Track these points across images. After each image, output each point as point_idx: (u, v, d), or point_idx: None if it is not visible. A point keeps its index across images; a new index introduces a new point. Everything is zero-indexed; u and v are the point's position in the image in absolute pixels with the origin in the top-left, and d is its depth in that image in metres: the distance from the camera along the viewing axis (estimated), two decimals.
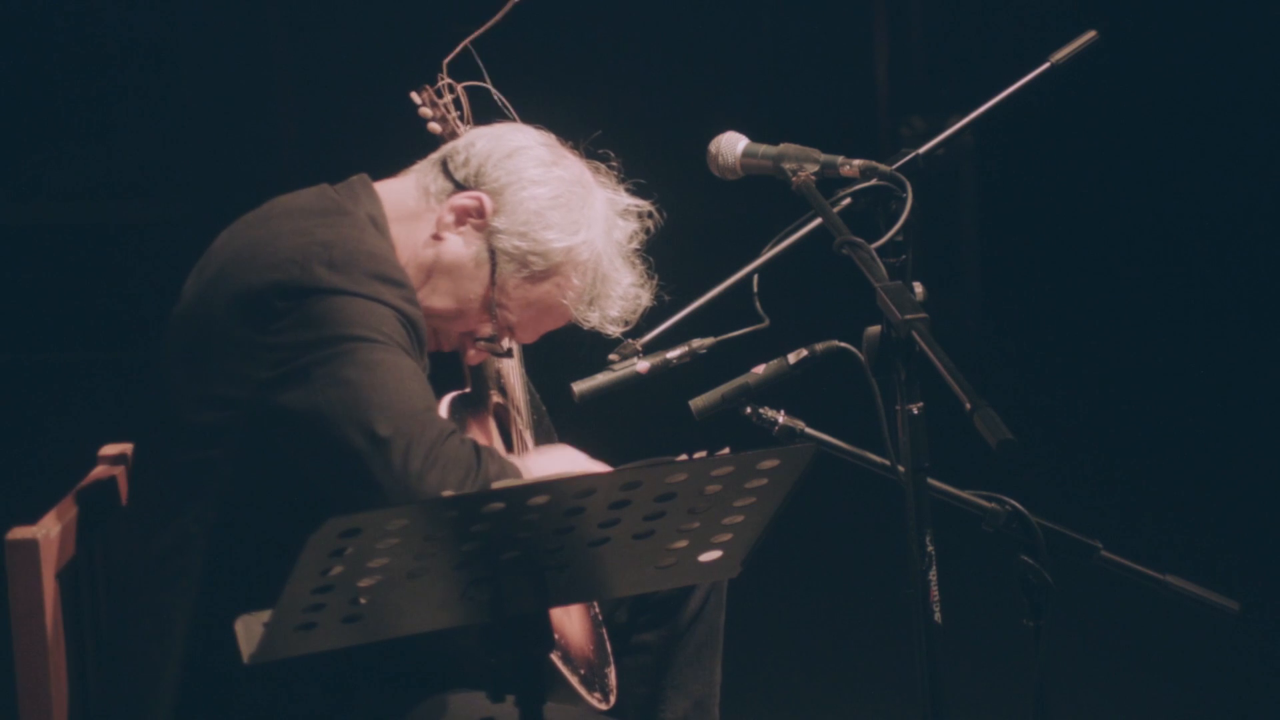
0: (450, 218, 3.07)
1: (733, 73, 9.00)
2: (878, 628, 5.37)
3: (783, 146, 3.05)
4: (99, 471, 3.16)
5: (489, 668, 2.52)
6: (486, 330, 3.10)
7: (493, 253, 3.06)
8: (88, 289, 8.49)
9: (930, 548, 2.75)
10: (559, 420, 3.47)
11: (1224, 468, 6.81)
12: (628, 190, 3.18)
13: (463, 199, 3.07)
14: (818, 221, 2.99)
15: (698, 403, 3.02)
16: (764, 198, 3.91)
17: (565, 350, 3.35)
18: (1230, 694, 5.03)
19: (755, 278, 3.01)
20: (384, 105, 3.32)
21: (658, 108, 8.62)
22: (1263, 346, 7.88)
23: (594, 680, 3.17)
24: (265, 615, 2.38)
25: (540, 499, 2.39)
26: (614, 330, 3.14)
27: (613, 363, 3.03)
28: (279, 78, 8.57)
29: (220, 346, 2.89)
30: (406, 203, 3.09)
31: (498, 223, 3.06)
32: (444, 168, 3.11)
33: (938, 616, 2.75)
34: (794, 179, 2.97)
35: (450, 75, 3.34)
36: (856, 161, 2.97)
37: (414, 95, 3.30)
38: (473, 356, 3.16)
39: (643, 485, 2.44)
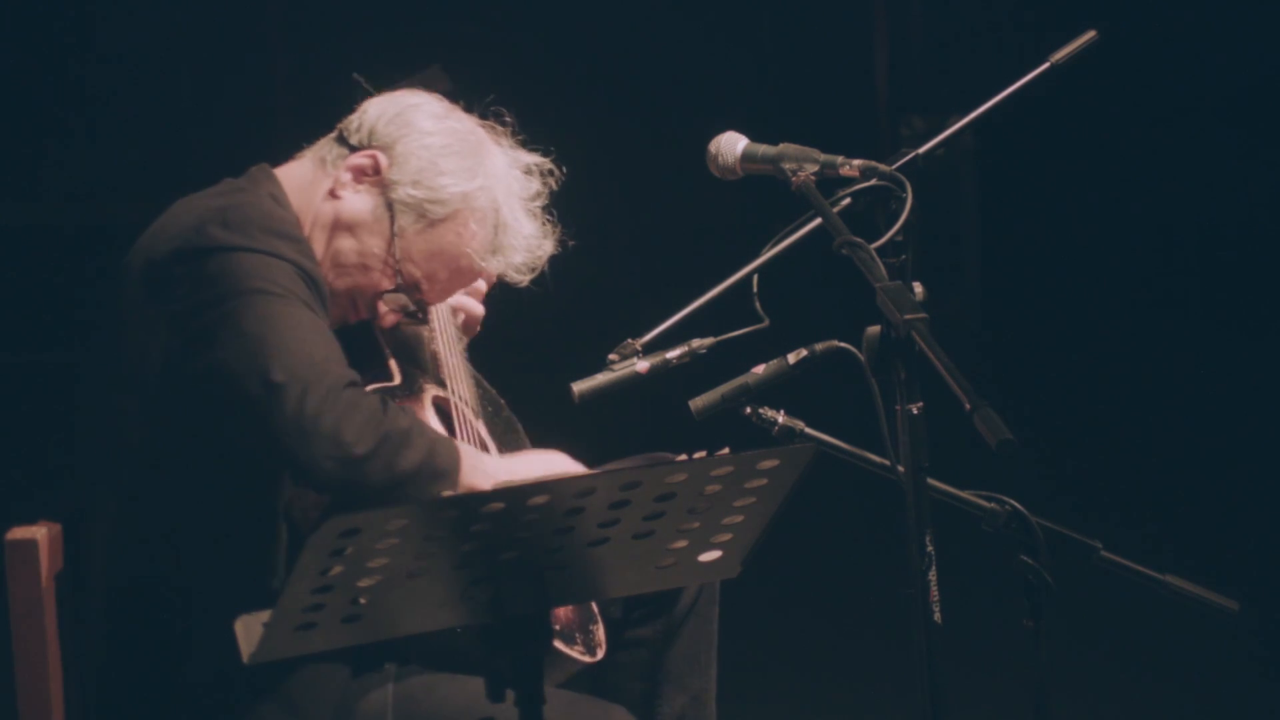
0: (347, 177, 3.10)
1: (733, 73, 8.99)
2: (878, 628, 5.37)
3: (783, 146, 3.05)
4: None
5: (488, 667, 2.52)
6: (394, 287, 3.10)
7: (390, 205, 3.08)
8: (87, 289, 8.48)
9: (930, 548, 2.75)
10: (560, 420, 3.47)
11: (1224, 468, 6.80)
12: (525, 148, 3.21)
13: (357, 158, 3.11)
14: (818, 221, 2.99)
15: (698, 403, 3.02)
16: (764, 198, 3.90)
17: (564, 350, 3.35)
18: (1230, 694, 5.04)
19: (755, 278, 3.01)
20: None
21: (657, 108, 8.61)
22: (1263, 346, 7.88)
23: (573, 635, 3.17)
24: (265, 615, 2.38)
25: (540, 499, 2.39)
26: (520, 279, 3.18)
27: (612, 363, 3.03)
28: (278, 77, 8.57)
29: (132, 328, 2.93)
30: (305, 175, 3.13)
31: (393, 175, 3.09)
32: (340, 137, 3.15)
33: (938, 616, 2.75)
34: (794, 179, 2.97)
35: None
36: (856, 161, 2.96)
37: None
38: (386, 317, 3.16)
39: (643, 485, 2.44)
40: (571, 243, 3.20)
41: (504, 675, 2.51)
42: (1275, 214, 8.36)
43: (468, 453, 2.94)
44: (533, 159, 3.19)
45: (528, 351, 3.51)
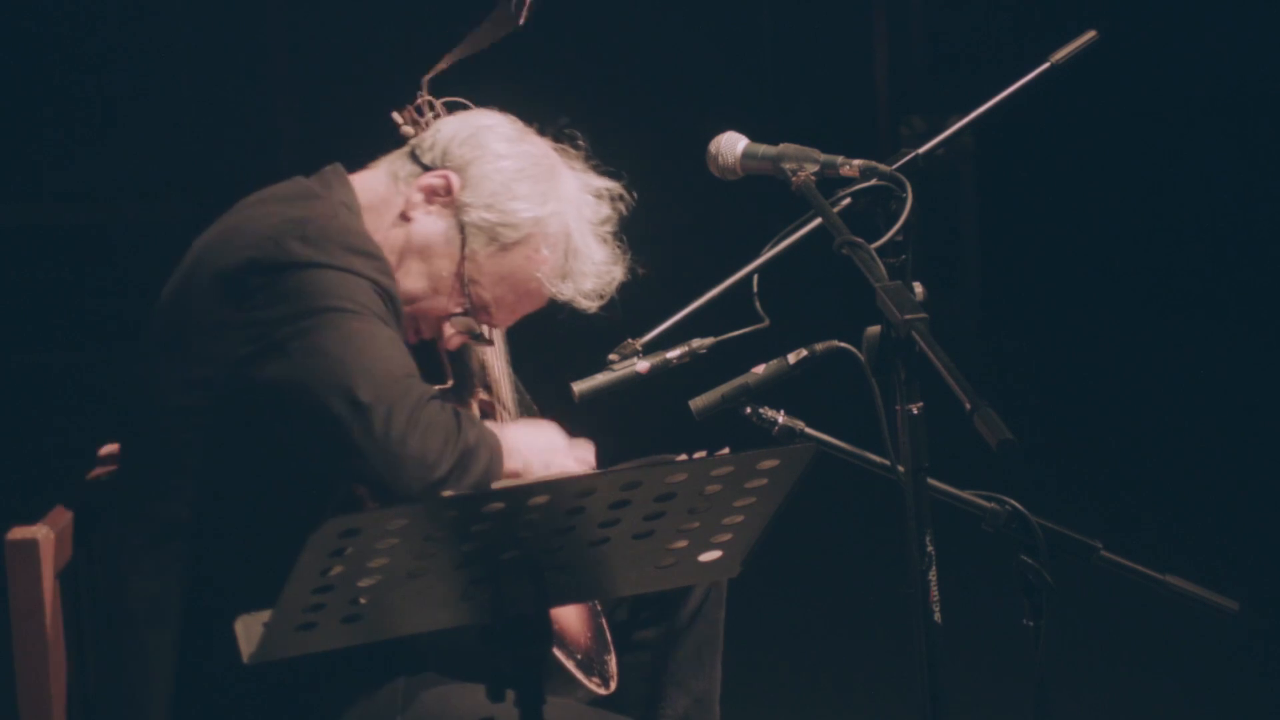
0: (419, 197, 3.09)
1: (733, 73, 9.00)
2: (878, 628, 5.37)
3: (782, 146, 3.05)
4: (98, 471, 3.16)
5: (489, 666, 2.52)
6: (462, 310, 3.10)
7: (462, 227, 3.08)
8: (88, 289, 8.49)
9: (930, 548, 2.75)
10: (559, 420, 3.47)
11: (1224, 468, 6.81)
12: (597, 172, 3.20)
13: (430, 178, 3.09)
14: (818, 221, 2.99)
15: (698, 403, 3.01)
16: (764, 198, 3.90)
17: (564, 349, 3.34)
18: (1230, 694, 5.04)
19: (755, 278, 3.01)
20: (385, 105, 3.31)
21: (657, 108, 8.62)
22: (1263, 346, 7.89)
23: (591, 665, 3.18)
24: (265, 615, 2.38)
25: (540, 499, 2.39)
26: (589, 305, 3.16)
27: (613, 363, 3.03)
28: (278, 77, 8.57)
29: (199, 329, 2.90)
30: (377, 190, 3.12)
31: (465, 197, 3.08)
32: (412, 154, 3.14)
33: (938, 616, 2.75)
34: (794, 179, 2.97)
35: (431, 90, 3.34)
36: (856, 161, 2.96)
37: (395, 115, 3.31)
38: (451, 339, 3.16)
39: (643, 485, 2.44)
40: (642, 271, 3.19)
41: (504, 675, 2.51)
42: (1275, 214, 8.37)
43: (506, 449, 2.96)
44: (604, 183, 3.18)
45: (528, 351, 3.50)
